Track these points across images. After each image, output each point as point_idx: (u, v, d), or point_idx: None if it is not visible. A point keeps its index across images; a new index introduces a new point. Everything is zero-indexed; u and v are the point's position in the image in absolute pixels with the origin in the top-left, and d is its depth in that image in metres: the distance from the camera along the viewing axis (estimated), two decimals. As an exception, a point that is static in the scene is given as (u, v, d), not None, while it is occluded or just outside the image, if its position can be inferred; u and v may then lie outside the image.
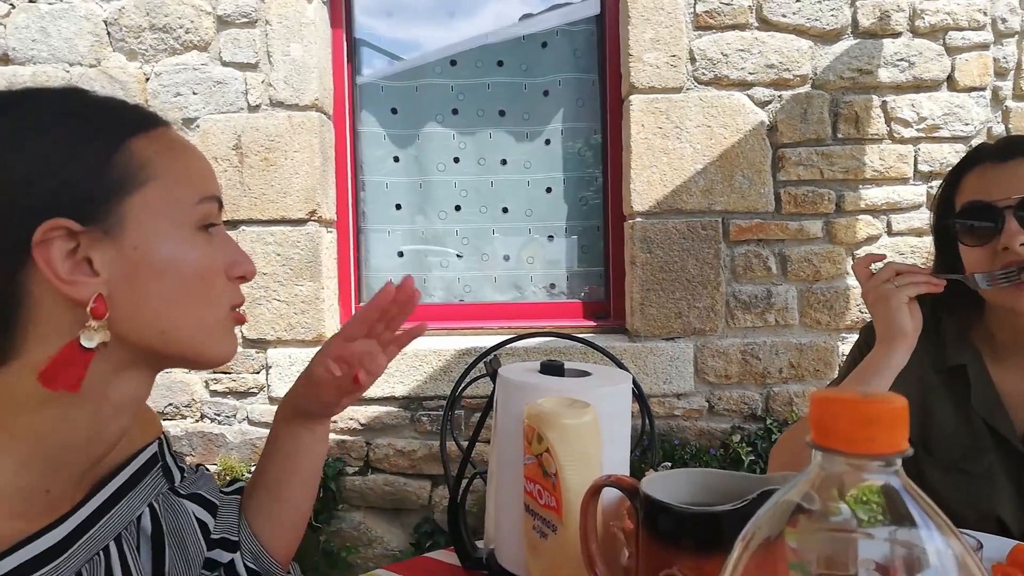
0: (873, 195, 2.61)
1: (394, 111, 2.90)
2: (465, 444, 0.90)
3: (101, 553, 0.71)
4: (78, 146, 0.63)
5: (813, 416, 0.35)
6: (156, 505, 0.80)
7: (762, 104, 2.60)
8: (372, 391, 2.61)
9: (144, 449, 0.80)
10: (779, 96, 2.59)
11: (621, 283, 2.77)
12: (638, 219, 2.60)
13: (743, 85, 2.59)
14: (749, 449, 2.55)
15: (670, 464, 2.47)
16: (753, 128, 2.59)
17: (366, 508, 2.70)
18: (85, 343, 0.61)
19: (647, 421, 0.93)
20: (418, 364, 2.61)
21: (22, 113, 0.64)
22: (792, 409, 2.62)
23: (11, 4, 2.60)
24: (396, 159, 2.92)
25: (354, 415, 2.64)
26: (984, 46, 2.58)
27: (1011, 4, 2.58)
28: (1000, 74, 2.61)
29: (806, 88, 2.60)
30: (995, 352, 1.14)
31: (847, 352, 1.44)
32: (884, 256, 1.15)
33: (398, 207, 2.92)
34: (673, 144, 2.58)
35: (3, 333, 0.62)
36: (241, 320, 0.74)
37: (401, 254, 2.94)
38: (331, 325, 2.71)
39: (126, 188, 0.64)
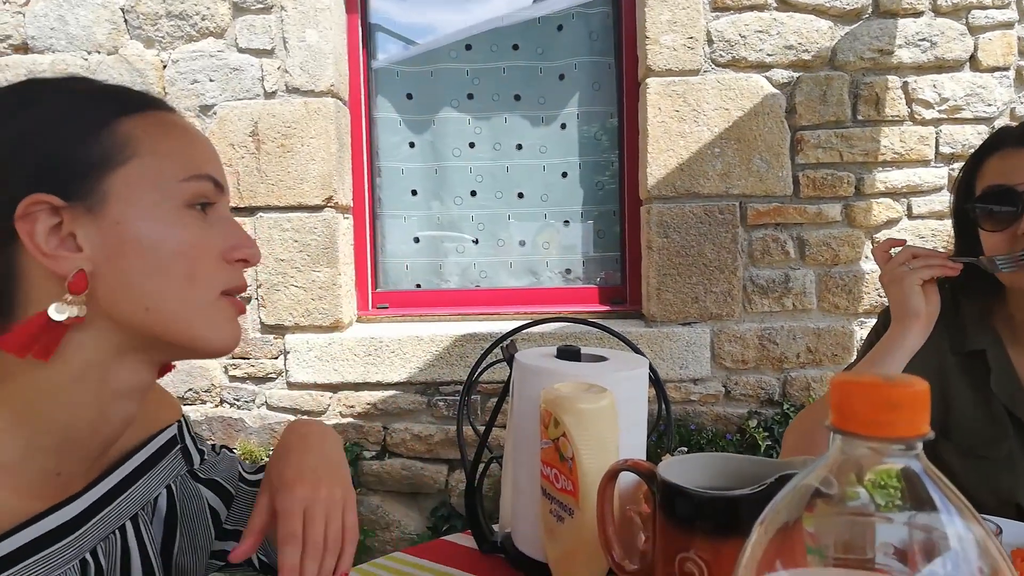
0: (893, 178, 2.58)
1: (409, 96, 2.90)
2: (482, 429, 0.90)
3: (117, 532, 0.72)
4: (64, 123, 0.63)
5: (834, 400, 0.35)
6: (174, 487, 0.80)
7: (781, 86, 2.56)
8: (389, 376, 2.63)
9: (162, 432, 0.80)
10: (798, 78, 2.56)
11: (637, 268, 2.76)
12: (655, 203, 2.59)
13: (761, 67, 2.56)
14: (766, 434, 2.54)
15: (686, 449, 2.47)
16: (771, 110, 2.56)
17: (384, 492, 2.72)
18: (54, 315, 0.60)
19: (663, 406, 0.93)
20: (434, 349, 2.62)
21: (17, 94, 0.65)
22: (809, 394, 2.61)
23: (29, -8, 2.62)
24: (412, 144, 2.91)
25: (371, 400, 2.66)
26: (1008, 25, 2.53)
27: (1037, -19, 2.53)
28: (1025, 53, 2.57)
29: (825, 69, 2.56)
30: (1015, 336, 1.13)
31: (865, 337, 1.43)
32: (904, 241, 1.14)
33: (414, 193, 2.92)
34: (690, 127, 2.56)
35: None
36: (239, 308, 0.70)
37: (417, 240, 2.94)
38: (348, 311, 2.72)
39: (109, 164, 0.63)
